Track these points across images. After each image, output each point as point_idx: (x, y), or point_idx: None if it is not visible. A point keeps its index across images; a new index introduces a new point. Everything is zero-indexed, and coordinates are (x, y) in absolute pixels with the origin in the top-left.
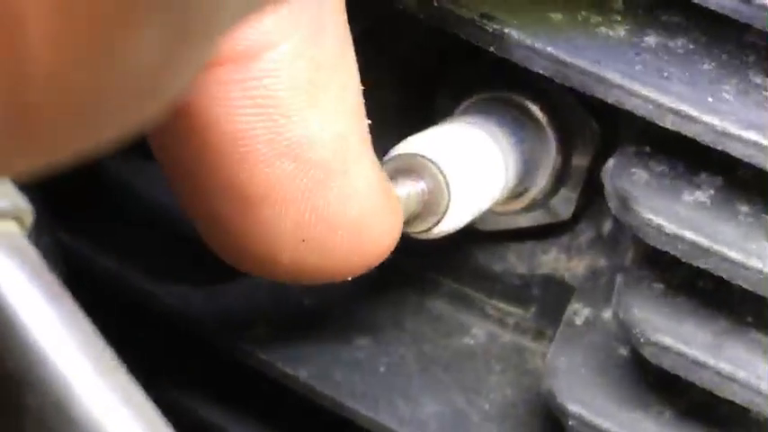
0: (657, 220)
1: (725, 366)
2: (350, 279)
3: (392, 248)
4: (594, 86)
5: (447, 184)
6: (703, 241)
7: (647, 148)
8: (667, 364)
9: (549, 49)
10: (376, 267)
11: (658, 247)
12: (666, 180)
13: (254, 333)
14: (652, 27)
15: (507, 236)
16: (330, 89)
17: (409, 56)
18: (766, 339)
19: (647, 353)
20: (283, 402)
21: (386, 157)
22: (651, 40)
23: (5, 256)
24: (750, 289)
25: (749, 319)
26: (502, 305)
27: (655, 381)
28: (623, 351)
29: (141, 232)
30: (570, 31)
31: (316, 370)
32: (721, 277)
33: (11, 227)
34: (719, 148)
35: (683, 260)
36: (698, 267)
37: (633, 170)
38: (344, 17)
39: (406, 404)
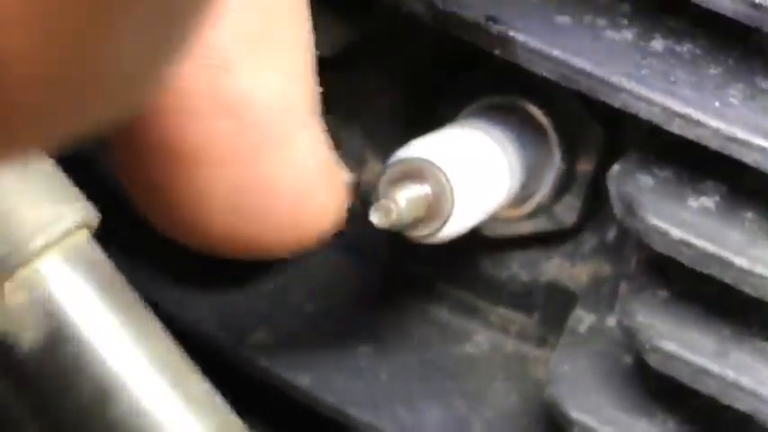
0: (663, 225)
1: (730, 373)
2: (288, 256)
3: (331, 229)
4: (601, 90)
5: (451, 189)
6: (709, 247)
7: (653, 154)
8: (672, 371)
9: (554, 52)
10: (378, 273)
11: (663, 252)
12: (672, 186)
13: (255, 339)
14: (659, 31)
15: (511, 243)
16: (278, 45)
17: (413, 59)
18: None
19: (651, 360)
20: (284, 409)
21: (389, 161)
22: (658, 44)
23: (79, 274)
24: (755, 295)
25: (754, 326)
26: (505, 312)
27: (659, 388)
28: (627, 358)
29: (143, 237)
30: (576, 34)
31: (317, 377)
32: (726, 284)
33: (82, 237)
34: (726, 152)
35: (689, 266)
36: (703, 274)
37: (638, 176)
38: None
39: (408, 412)
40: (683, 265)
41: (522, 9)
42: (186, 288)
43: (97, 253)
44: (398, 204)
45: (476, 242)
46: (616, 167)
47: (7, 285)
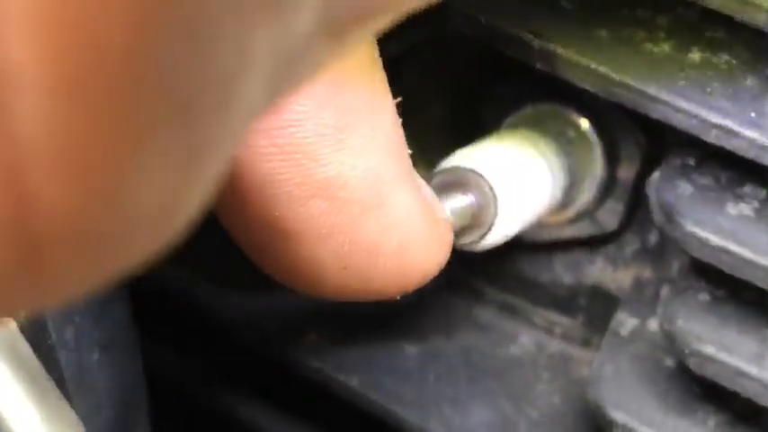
0: (702, 232)
1: None
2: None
3: (439, 269)
4: (639, 102)
5: (494, 198)
6: (747, 253)
7: (692, 161)
8: (712, 373)
9: (594, 65)
10: None
11: (702, 259)
12: (711, 193)
13: (305, 340)
14: (696, 44)
15: (554, 247)
16: (360, 130)
17: (457, 71)
18: None
19: (691, 363)
20: (333, 409)
21: (434, 171)
22: (695, 56)
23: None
24: None
25: None
26: (549, 314)
27: (699, 390)
28: (668, 361)
29: (196, 241)
30: (616, 47)
31: (366, 377)
32: (765, 289)
33: (11, 327)
34: (762, 162)
35: (727, 272)
36: (742, 279)
37: (678, 183)
38: (373, 54)
39: (454, 412)
40: (722, 270)
41: (564, 23)
42: (239, 293)
43: (21, 343)
44: (444, 213)
45: (520, 246)
46: (656, 175)
47: None
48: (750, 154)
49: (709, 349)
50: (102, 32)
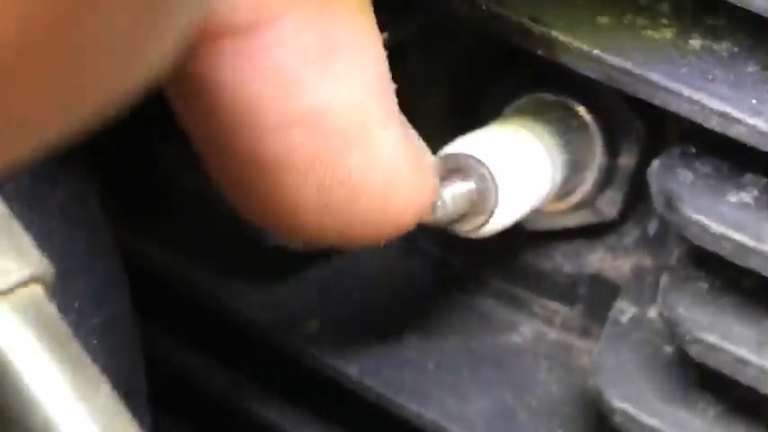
0: (702, 220)
1: None
2: (382, 244)
3: (422, 215)
4: (640, 89)
5: (495, 184)
6: (748, 241)
7: (693, 149)
8: (712, 361)
9: (595, 51)
10: (425, 266)
11: (703, 246)
12: (711, 180)
13: (305, 329)
14: (698, 30)
15: (554, 235)
16: (344, 58)
17: (458, 58)
18: None
19: (692, 351)
20: (333, 398)
21: (436, 157)
22: (697, 43)
23: (30, 328)
24: None
25: None
26: (549, 303)
27: (700, 378)
28: (668, 349)
29: (197, 230)
30: (617, 34)
31: (366, 366)
32: (766, 276)
33: (36, 291)
34: (764, 149)
35: (728, 260)
36: (742, 266)
37: (678, 170)
38: None
39: (454, 400)
40: (723, 257)
41: (564, 9)
42: (238, 280)
43: (49, 307)
44: (444, 200)
45: (520, 235)
46: (657, 162)
47: None
48: (751, 141)
49: (709, 337)
50: None
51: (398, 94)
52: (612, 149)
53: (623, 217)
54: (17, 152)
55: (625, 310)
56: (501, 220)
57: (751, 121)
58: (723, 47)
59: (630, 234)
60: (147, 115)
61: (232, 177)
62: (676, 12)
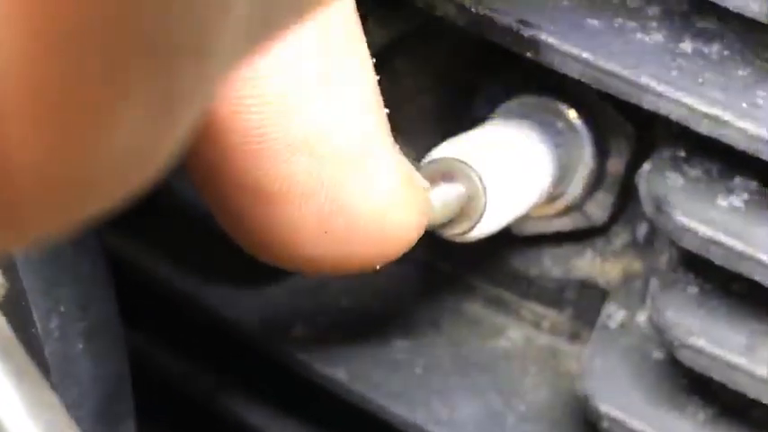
0: (692, 224)
1: (758, 369)
2: (377, 269)
3: (417, 238)
4: (630, 92)
5: (484, 188)
6: (737, 245)
7: (682, 153)
8: (701, 366)
9: (585, 54)
10: (413, 270)
11: (693, 250)
12: (701, 184)
13: (292, 334)
14: (688, 33)
15: (543, 240)
16: (341, 82)
17: (447, 61)
18: None
19: (681, 355)
20: (321, 402)
21: (424, 161)
22: (687, 46)
23: None
24: None
25: None
26: (537, 308)
27: (689, 383)
28: (658, 353)
29: (183, 234)
30: (607, 36)
31: (354, 371)
32: (755, 281)
33: None
34: (753, 153)
35: (717, 264)
36: (732, 271)
37: (668, 174)
38: (352, 8)
39: (442, 405)
40: (712, 262)
41: (554, 12)
42: (227, 285)
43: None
44: (432, 205)
45: (508, 239)
46: (646, 166)
47: None
48: (741, 145)
49: (698, 342)
50: None
51: (387, 96)
52: (602, 153)
53: (612, 221)
54: (17, 245)
55: (614, 314)
56: (490, 224)
57: (741, 124)
58: (713, 50)
59: (619, 238)
60: None
61: (230, 210)
62: (666, 15)
